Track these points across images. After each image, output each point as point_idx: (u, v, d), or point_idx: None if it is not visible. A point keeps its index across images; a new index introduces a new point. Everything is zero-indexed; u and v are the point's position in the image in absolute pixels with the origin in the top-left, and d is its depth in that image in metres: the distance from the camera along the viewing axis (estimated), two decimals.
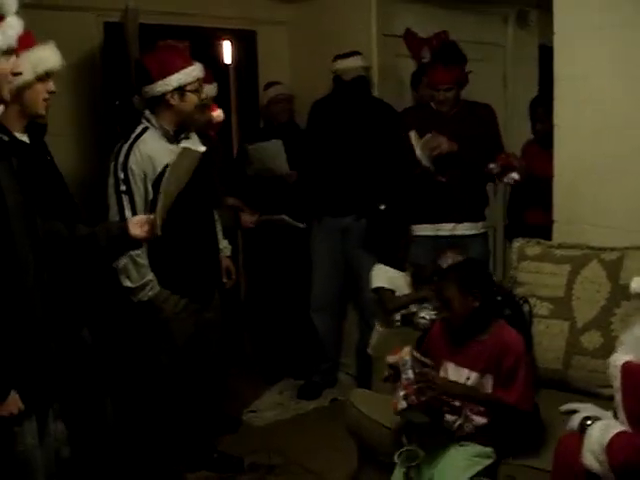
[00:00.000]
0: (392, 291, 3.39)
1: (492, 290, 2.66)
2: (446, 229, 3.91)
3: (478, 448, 2.42)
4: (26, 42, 2.51)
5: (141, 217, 2.56)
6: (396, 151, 3.90)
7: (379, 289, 3.41)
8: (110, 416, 2.94)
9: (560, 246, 3.11)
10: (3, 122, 2.47)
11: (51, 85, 2.61)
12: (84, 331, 2.80)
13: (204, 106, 3.68)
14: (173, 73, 3.04)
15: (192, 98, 3.13)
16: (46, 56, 2.57)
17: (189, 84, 3.09)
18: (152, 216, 2.49)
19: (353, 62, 4.05)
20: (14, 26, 1.86)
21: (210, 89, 3.86)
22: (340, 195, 4.16)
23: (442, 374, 2.54)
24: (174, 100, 3.08)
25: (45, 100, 2.61)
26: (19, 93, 2.48)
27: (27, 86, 2.52)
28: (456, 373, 2.54)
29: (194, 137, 3.29)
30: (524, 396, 2.41)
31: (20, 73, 1.95)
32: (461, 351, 2.54)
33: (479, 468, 2.38)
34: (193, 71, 3.11)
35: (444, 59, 3.81)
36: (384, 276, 3.43)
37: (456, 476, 2.38)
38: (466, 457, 2.40)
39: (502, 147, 3.96)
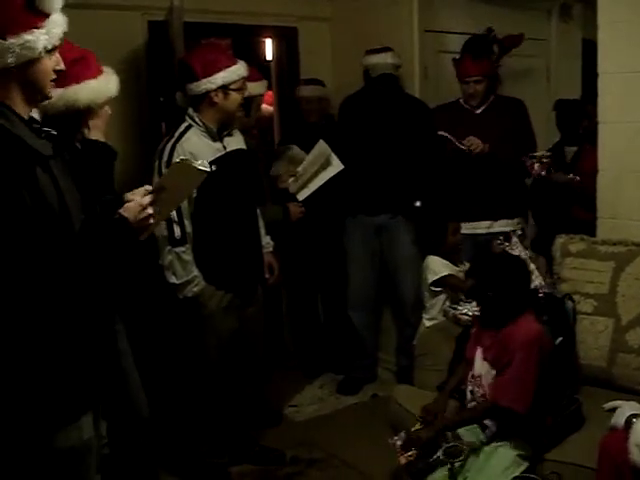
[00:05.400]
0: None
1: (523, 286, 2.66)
2: (483, 227, 3.92)
3: (516, 448, 2.42)
4: (91, 70, 2.53)
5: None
6: (430, 148, 3.89)
7: (446, 277, 3.45)
8: (147, 411, 2.96)
9: (604, 242, 3.09)
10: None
11: (107, 109, 2.63)
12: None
13: (250, 104, 3.70)
14: (218, 71, 3.06)
15: (236, 97, 3.14)
16: (108, 87, 2.57)
17: (233, 82, 3.10)
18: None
19: (382, 58, 3.99)
20: (59, 24, 1.85)
21: (258, 87, 3.87)
22: (375, 193, 4.13)
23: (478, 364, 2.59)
24: (218, 98, 3.10)
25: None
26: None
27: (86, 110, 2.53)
28: (482, 367, 2.58)
29: (237, 134, 3.31)
30: (517, 397, 2.40)
31: (62, 70, 1.94)
32: (486, 338, 2.58)
33: (521, 469, 2.38)
34: (237, 70, 3.12)
35: (473, 51, 3.80)
36: (442, 266, 3.49)
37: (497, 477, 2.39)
38: (507, 458, 2.40)
39: (534, 142, 3.92)
